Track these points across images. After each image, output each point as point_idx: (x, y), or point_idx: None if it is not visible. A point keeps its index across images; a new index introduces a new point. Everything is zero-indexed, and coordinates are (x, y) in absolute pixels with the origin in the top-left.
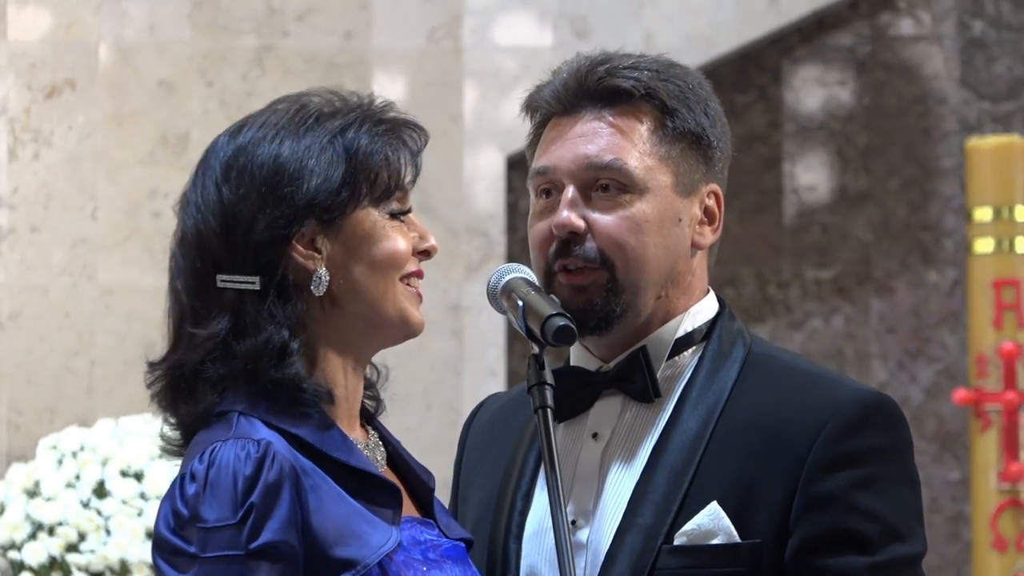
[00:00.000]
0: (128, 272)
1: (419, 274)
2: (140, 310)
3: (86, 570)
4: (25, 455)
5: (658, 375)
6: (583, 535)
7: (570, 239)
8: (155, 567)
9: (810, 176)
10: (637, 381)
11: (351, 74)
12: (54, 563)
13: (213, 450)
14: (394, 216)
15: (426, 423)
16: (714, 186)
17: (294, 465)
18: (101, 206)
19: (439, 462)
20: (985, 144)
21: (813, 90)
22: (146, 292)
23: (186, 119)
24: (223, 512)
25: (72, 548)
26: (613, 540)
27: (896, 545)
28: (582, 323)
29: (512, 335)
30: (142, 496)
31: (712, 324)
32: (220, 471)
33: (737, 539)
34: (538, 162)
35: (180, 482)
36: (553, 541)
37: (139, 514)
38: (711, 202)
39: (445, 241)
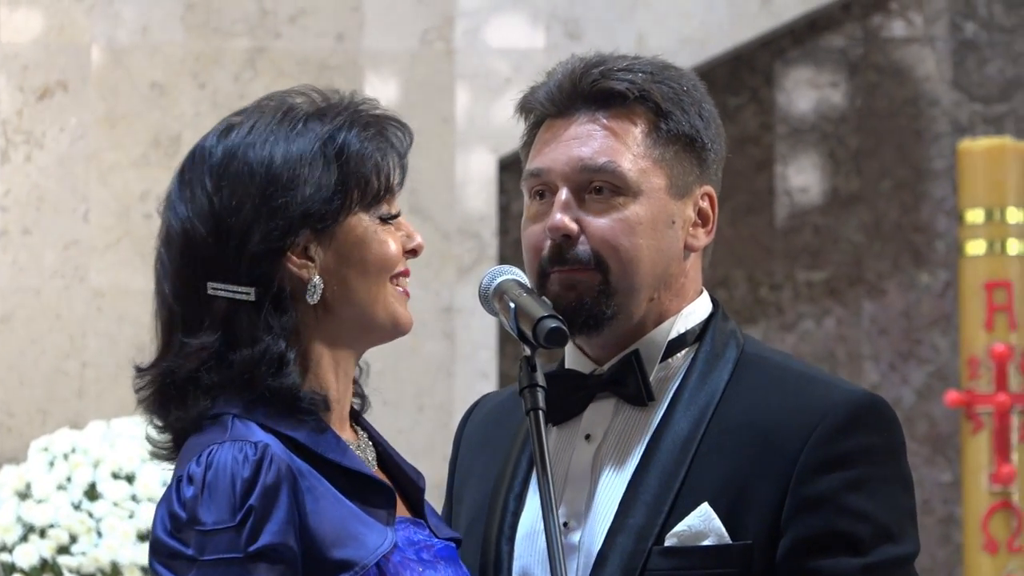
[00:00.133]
0: (120, 274)
1: (406, 273)
2: (132, 312)
3: (77, 572)
4: (16, 457)
5: (651, 378)
6: (575, 537)
7: (563, 242)
8: (152, 571)
9: (802, 178)
10: (630, 385)
11: (343, 76)
12: (45, 565)
13: (210, 452)
14: (384, 220)
15: (418, 425)
16: (708, 188)
17: (291, 467)
18: (93, 208)
19: (431, 463)
20: (977, 146)
21: (805, 92)
22: (138, 294)
23: (178, 121)
24: (221, 515)
25: (63, 550)
26: (604, 541)
27: (888, 546)
28: (571, 321)
29: (504, 337)
30: (133, 498)
31: (705, 325)
32: (218, 473)
33: (728, 540)
34: (532, 164)
35: (177, 485)
36: (545, 543)
37: (130, 516)
38: (705, 204)
39: (437, 243)
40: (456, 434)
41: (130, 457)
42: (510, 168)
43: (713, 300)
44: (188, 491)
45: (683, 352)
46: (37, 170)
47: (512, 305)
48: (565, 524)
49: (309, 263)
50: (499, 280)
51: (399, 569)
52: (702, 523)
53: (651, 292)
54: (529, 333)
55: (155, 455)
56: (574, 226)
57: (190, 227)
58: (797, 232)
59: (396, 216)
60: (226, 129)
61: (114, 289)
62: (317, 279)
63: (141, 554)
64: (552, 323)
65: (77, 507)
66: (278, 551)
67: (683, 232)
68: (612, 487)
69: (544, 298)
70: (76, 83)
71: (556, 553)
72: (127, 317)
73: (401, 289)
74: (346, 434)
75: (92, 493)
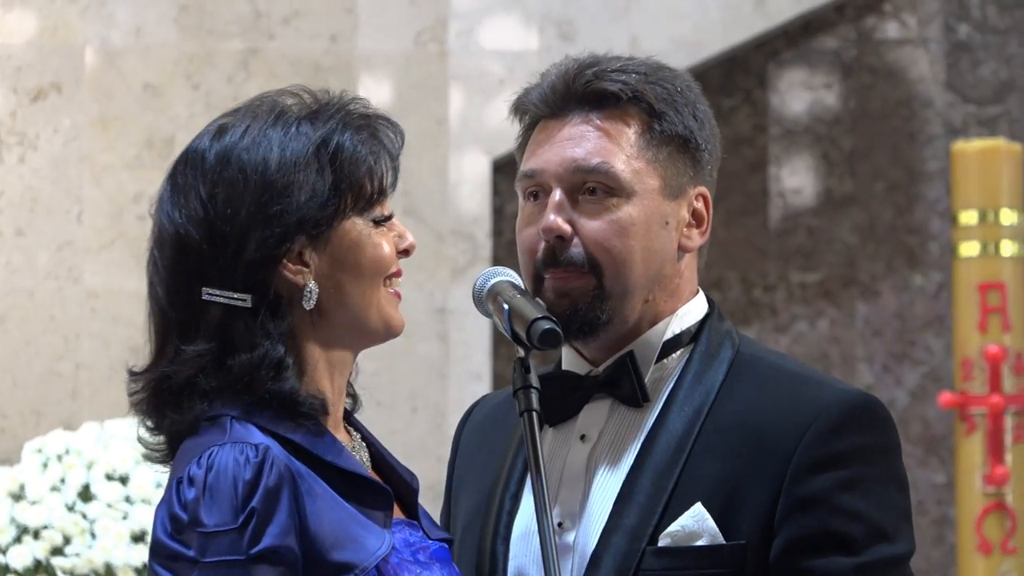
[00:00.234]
0: (113, 276)
1: (399, 273)
2: (125, 313)
3: (71, 574)
4: (10, 458)
5: (646, 379)
6: (570, 537)
7: (556, 243)
8: (152, 573)
9: (796, 179)
10: (625, 386)
11: (337, 77)
12: (39, 567)
13: (211, 454)
14: (377, 223)
15: (411, 426)
16: (702, 189)
17: (291, 469)
18: (87, 209)
19: (424, 465)
20: (970, 147)
21: (799, 93)
22: (132, 295)
23: (172, 122)
24: (223, 517)
25: (57, 552)
26: (599, 542)
27: (882, 545)
28: (566, 328)
29: (498, 338)
30: (127, 500)
31: (701, 326)
32: (219, 475)
33: (721, 540)
34: (526, 165)
35: (177, 486)
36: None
37: (124, 517)
38: (699, 205)
39: (431, 244)
40: (455, 435)
41: (124, 458)
42: (504, 169)
43: (709, 300)
44: (189, 493)
45: (678, 353)
46: (31, 171)
47: (506, 306)
48: (560, 524)
49: (304, 269)
50: (493, 281)
51: (397, 571)
52: (695, 523)
53: (645, 293)
54: (523, 335)
55: (148, 457)
56: (567, 227)
57: (184, 232)
58: (791, 233)
59: (389, 218)
60: (219, 131)
61: (108, 290)
62: (313, 284)
63: (135, 555)
64: (546, 324)
65: (71, 508)
66: (280, 553)
67: (677, 233)
68: (606, 487)
69: (538, 299)
70: (70, 84)
71: (550, 555)
72: (121, 318)
73: (393, 291)
74: (340, 436)
75: (86, 494)
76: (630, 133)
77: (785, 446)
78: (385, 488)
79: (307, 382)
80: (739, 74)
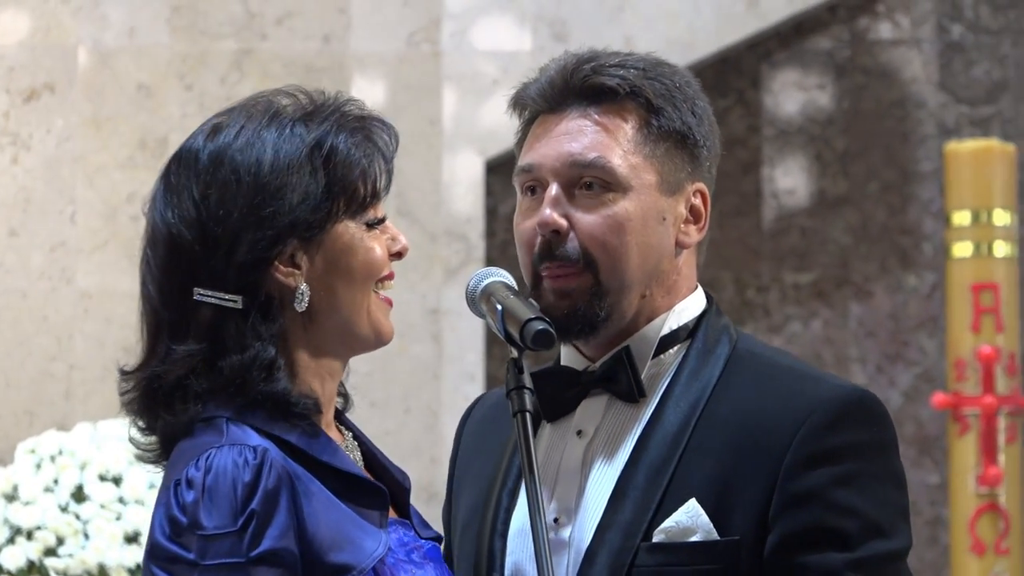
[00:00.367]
0: (107, 276)
1: (391, 276)
2: (119, 314)
3: (64, 574)
4: (3, 459)
5: (643, 375)
6: (565, 533)
7: (552, 238)
8: (149, 575)
9: (789, 180)
10: (622, 381)
11: (330, 78)
12: (32, 567)
13: (208, 456)
14: (370, 226)
15: (405, 427)
16: (700, 185)
17: (288, 471)
18: (80, 210)
19: (417, 465)
20: (964, 148)
21: (792, 94)
22: (125, 296)
23: (165, 123)
24: (223, 519)
25: (50, 552)
26: (593, 538)
27: (877, 541)
28: (567, 329)
29: (491, 339)
30: (120, 500)
31: (698, 322)
32: (218, 478)
33: (716, 536)
34: (523, 159)
35: (175, 488)
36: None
37: (117, 518)
38: (697, 201)
39: (424, 245)
40: (456, 434)
41: (117, 459)
42: (497, 170)
43: (708, 297)
44: (188, 495)
45: (675, 348)
46: (24, 172)
47: (499, 307)
48: (556, 520)
49: (296, 271)
50: (486, 282)
51: (393, 571)
52: (690, 519)
53: (642, 289)
54: (516, 335)
55: (140, 457)
56: (563, 222)
57: (176, 232)
58: (784, 234)
59: (382, 221)
60: (213, 131)
61: (101, 291)
62: (304, 286)
63: (128, 556)
64: (539, 325)
65: (64, 509)
66: (279, 555)
67: (674, 229)
68: (602, 483)
69: (531, 300)
70: (63, 85)
71: (543, 554)
72: (114, 319)
73: (384, 297)
74: (332, 435)
75: (79, 495)
76: (627, 128)
77: (780, 442)
78: (381, 488)
79: (298, 383)
80: (732, 75)
